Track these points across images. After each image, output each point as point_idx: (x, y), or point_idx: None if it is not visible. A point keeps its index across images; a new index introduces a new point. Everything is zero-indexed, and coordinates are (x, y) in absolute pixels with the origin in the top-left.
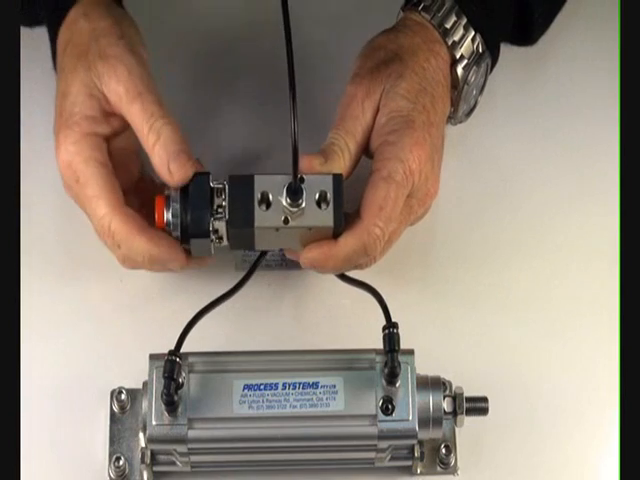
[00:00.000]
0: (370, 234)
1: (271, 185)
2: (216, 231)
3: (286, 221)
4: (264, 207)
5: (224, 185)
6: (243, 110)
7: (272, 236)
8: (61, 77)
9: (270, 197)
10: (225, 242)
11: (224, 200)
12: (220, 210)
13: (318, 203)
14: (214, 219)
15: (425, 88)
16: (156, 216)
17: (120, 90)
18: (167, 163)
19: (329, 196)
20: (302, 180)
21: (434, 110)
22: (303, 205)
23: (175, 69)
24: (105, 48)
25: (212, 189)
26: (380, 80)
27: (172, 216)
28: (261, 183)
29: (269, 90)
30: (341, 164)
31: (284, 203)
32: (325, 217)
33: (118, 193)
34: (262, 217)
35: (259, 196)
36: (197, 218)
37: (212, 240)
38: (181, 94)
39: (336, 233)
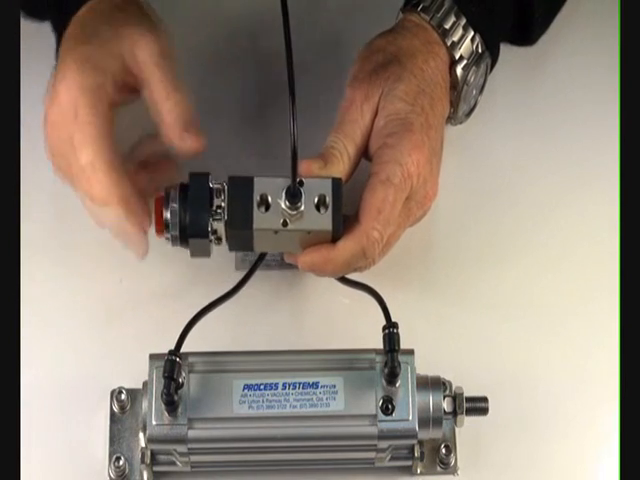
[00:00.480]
0: (369, 237)
1: (270, 187)
2: (215, 232)
3: (285, 224)
4: (263, 209)
5: (224, 186)
6: (243, 112)
7: (271, 238)
8: (81, 39)
9: (269, 199)
10: (224, 243)
11: (223, 201)
12: (219, 211)
13: (317, 207)
14: (213, 220)
15: (424, 90)
16: (155, 215)
17: (152, 49)
18: (183, 125)
19: (328, 200)
20: (301, 183)
21: (433, 112)
22: (302, 208)
23: None
24: (133, 16)
25: (212, 189)
26: (379, 83)
27: (171, 215)
28: (261, 185)
29: (270, 91)
30: (340, 168)
31: (283, 206)
32: (324, 221)
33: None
34: (261, 219)
35: (258, 198)
36: (196, 218)
37: (211, 240)
38: None
39: (335, 237)
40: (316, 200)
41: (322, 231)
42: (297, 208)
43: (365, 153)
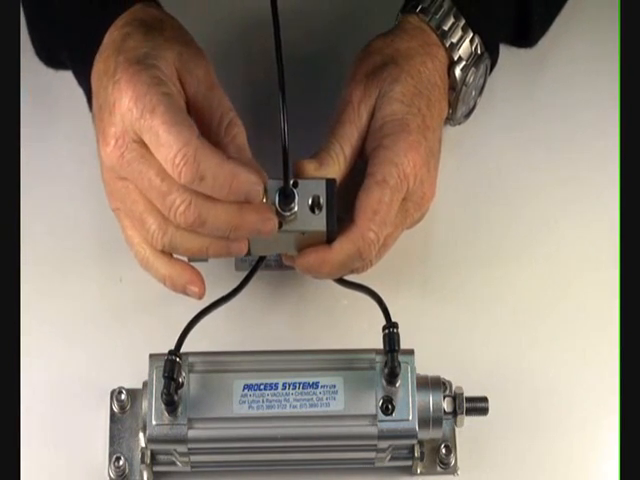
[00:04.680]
0: (365, 239)
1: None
2: None
3: (279, 225)
4: None
5: None
6: (237, 112)
7: (267, 240)
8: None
9: (263, 201)
10: None
11: None
12: None
13: (311, 208)
14: None
15: (421, 91)
16: None
17: (201, 73)
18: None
19: (322, 201)
20: (296, 184)
21: (430, 113)
22: (296, 209)
23: None
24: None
25: None
26: (375, 84)
27: None
28: None
29: (264, 92)
30: (335, 169)
31: (277, 207)
32: (318, 222)
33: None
34: None
35: None
36: None
37: None
38: None
39: (329, 238)
40: (310, 201)
41: (316, 232)
42: (291, 209)
43: (361, 154)
